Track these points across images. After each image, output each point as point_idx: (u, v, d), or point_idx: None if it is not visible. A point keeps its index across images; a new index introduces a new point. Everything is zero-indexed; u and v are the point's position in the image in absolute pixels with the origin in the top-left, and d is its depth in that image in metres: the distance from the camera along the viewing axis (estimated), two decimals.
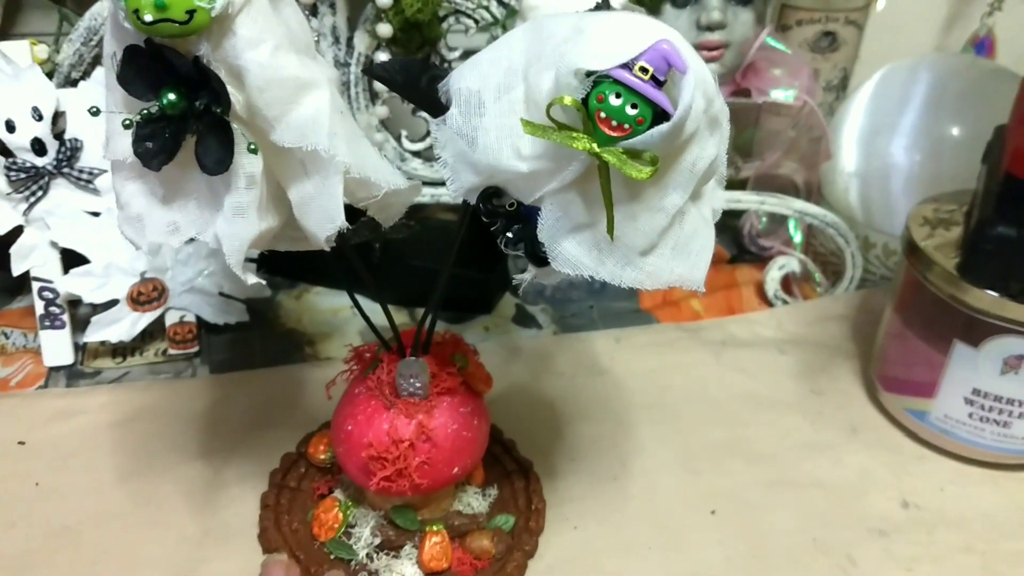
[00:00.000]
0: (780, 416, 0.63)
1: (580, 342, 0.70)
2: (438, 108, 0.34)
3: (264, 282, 0.37)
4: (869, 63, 0.78)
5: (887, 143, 0.70)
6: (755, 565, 0.52)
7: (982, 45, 0.80)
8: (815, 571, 0.52)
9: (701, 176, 0.34)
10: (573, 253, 0.35)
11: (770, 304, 0.74)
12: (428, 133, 0.67)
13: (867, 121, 0.72)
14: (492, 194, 0.36)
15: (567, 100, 0.30)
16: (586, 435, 0.61)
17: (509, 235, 0.36)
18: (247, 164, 0.33)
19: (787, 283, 0.75)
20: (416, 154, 0.68)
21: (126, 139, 0.33)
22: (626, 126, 0.30)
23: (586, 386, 0.65)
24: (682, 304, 0.75)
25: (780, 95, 0.66)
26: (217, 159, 0.32)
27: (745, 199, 0.70)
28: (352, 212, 0.63)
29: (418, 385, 0.47)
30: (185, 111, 0.32)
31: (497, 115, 0.33)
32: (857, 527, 0.55)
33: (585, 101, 0.30)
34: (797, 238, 0.75)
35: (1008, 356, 0.55)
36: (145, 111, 0.32)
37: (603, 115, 0.30)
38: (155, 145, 0.32)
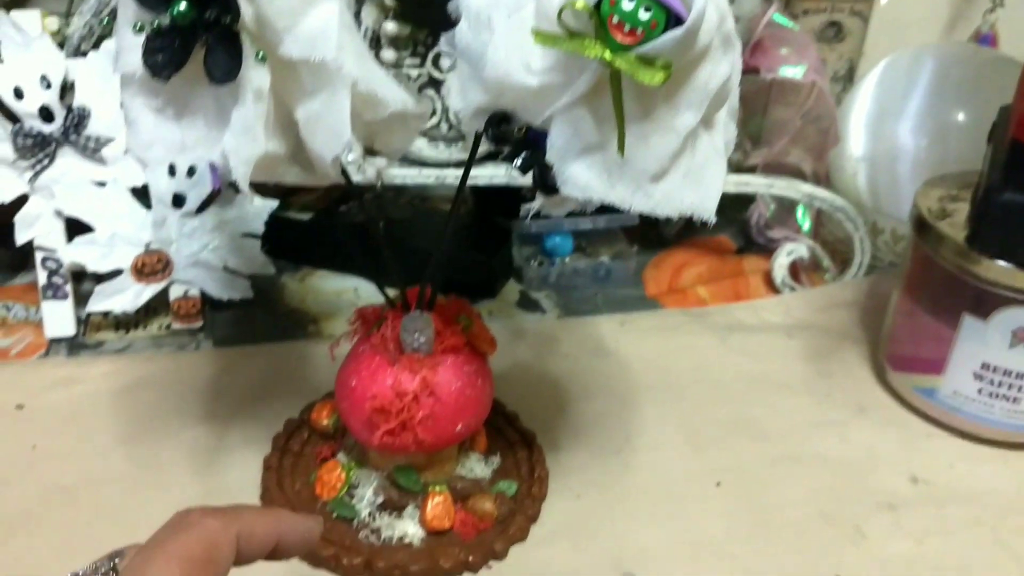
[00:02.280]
0: (787, 397, 0.62)
1: (584, 325, 0.69)
2: (447, 24, 0.34)
3: (275, 203, 0.37)
4: (873, 59, 0.78)
5: (894, 127, 0.70)
6: (760, 535, 0.51)
7: (985, 41, 0.80)
8: (823, 542, 0.51)
9: (714, 97, 0.34)
10: (583, 176, 0.35)
11: (777, 292, 0.74)
12: (434, 112, 0.68)
13: (874, 106, 0.72)
14: (500, 119, 0.35)
15: (579, 4, 0.30)
16: (590, 412, 0.60)
17: (517, 163, 0.36)
18: (255, 78, 0.33)
19: (795, 270, 0.74)
20: (422, 133, 0.68)
21: (136, 53, 0.33)
22: (639, 31, 0.30)
23: (590, 367, 0.65)
24: (688, 292, 0.75)
25: (790, 72, 0.66)
26: (226, 70, 0.32)
27: (754, 182, 0.70)
28: (356, 192, 0.63)
29: (422, 340, 0.47)
30: (195, 21, 0.32)
31: (507, 31, 0.33)
32: (866, 501, 0.54)
33: (597, 7, 0.30)
34: (806, 226, 0.74)
35: (1017, 328, 0.54)
36: (156, 23, 0.32)
37: (615, 20, 0.30)
38: (164, 57, 0.32)
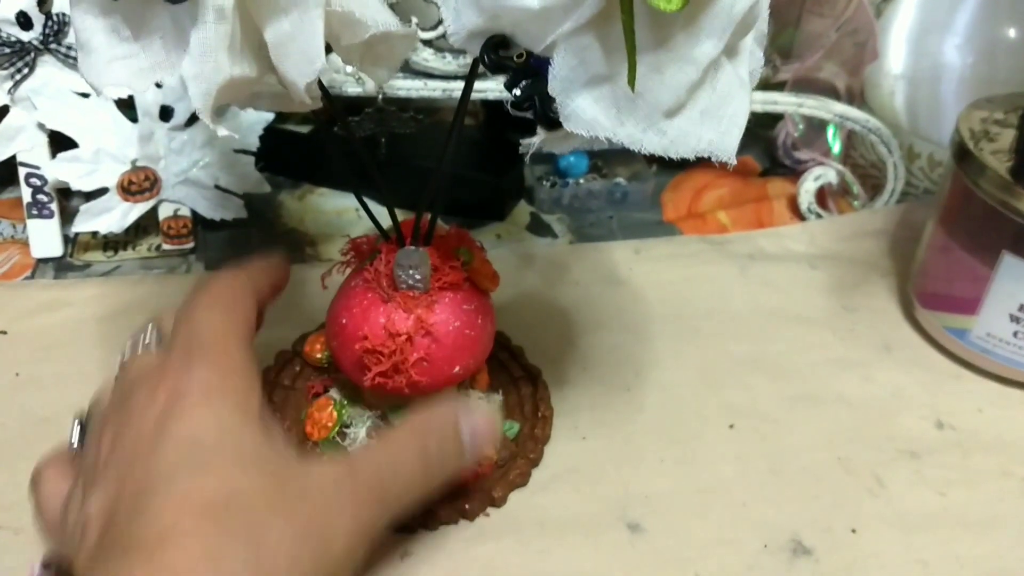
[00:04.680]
0: (808, 332, 0.59)
1: (597, 252, 0.66)
2: None
3: (235, 135, 0.33)
4: None
5: (938, 42, 0.65)
6: (774, 482, 0.49)
7: None
8: (839, 491, 0.48)
9: (739, 23, 0.29)
10: (589, 111, 0.31)
11: (803, 218, 0.69)
12: (440, 21, 0.63)
13: (918, 19, 0.66)
14: (498, 43, 0.31)
15: None
16: (600, 345, 0.57)
17: (516, 92, 0.32)
18: None
19: (822, 197, 0.70)
20: (427, 43, 0.64)
21: None
22: None
23: (602, 296, 0.61)
24: (708, 217, 0.71)
25: None
26: None
27: (782, 100, 0.65)
28: (357, 107, 0.59)
29: (418, 277, 0.44)
30: None
31: None
32: (887, 447, 0.51)
33: None
34: (836, 148, 0.70)
35: None
36: None
37: None
38: None
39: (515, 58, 0.31)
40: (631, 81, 0.28)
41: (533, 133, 0.71)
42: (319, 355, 0.52)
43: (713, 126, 0.32)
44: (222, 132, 0.30)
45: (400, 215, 0.45)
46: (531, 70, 0.31)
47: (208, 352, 0.35)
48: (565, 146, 0.34)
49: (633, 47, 0.28)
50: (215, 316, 0.37)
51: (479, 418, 0.38)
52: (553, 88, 0.31)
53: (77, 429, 0.38)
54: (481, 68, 0.37)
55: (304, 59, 0.30)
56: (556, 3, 0.28)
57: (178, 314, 0.38)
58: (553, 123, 0.32)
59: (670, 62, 0.29)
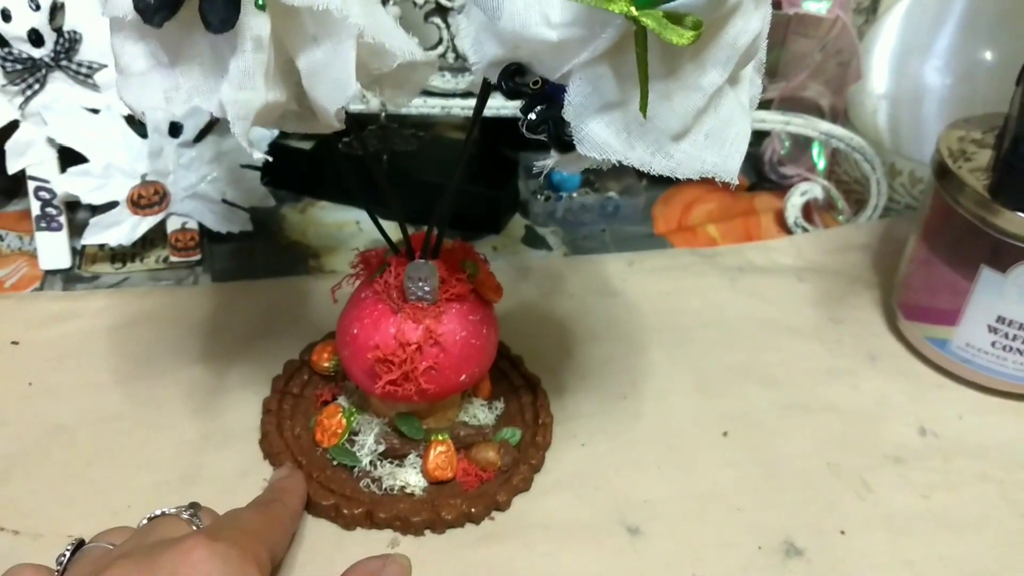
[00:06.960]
0: (797, 342, 0.61)
1: (591, 264, 0.68)
2: None
3: (269, 158, 0.35)
4: None
5: (919, 64, 0.67)
6: (767, 487, 0.51)
7: None
8: (829, 495, 0.50)
9: (742, 54, 0.31)
10: (601, 135, 0.33)
11: (790, 232, 0.72)
12: (440, 41, 0.65)
13: (899, 42, 0.69)
14: (515, 71, 0.33)
15: None
16: (596, 355, 0.59)
17: (532, 116, 0.34)
18: (254, 25, 0.30)
19: (808, 211, 0.72)
20: None
21: None
22: None
23: (597, 307, 0.63)
24: (698, 230, 0.73)
25: (813, 7, 0.63)
26: (223, 17, 0.30)
27: (770, 119, 0.68)
28: (360, 123, 0.61)
29: (427, 289, 0.46)
30: None
31: None
32: (873, 453, 0.53)
33: None
34: (821, 164, 0.72)
35: None
36: None
37: None
38: (157, 0, 0.30)
39: (531, 85, 0.33)
40: (643, 108, 0.30)
41: (526, 148, 0.73)
42: (326, 364, 0.54)
43: (716, 149, 0.34)
44: (257, 155, 0.32)
45: (399, 226, 0.47)
46: (546, 96, 0.33)
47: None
48: (576, 167, 0.36)
49: (646, 76, 0.30)
50: (259, 547, 0.40)
51: (392, 569, 0.43)
52: (567, 113, 0.33)
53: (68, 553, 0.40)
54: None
55: (336, 87, 0.31)
56: (574, 36, 0.30)
57: (238, 513, 0.42)
58: (566, 146, 0.34)
59: (678, 90, 0.32)
